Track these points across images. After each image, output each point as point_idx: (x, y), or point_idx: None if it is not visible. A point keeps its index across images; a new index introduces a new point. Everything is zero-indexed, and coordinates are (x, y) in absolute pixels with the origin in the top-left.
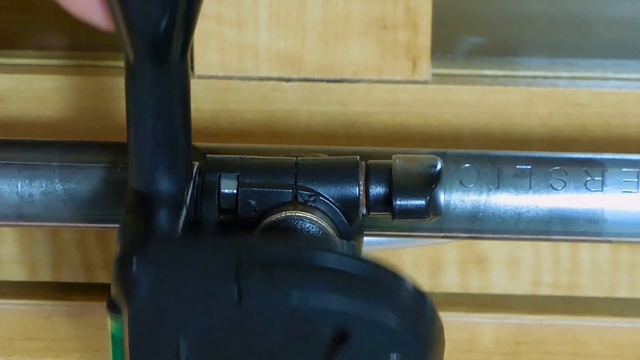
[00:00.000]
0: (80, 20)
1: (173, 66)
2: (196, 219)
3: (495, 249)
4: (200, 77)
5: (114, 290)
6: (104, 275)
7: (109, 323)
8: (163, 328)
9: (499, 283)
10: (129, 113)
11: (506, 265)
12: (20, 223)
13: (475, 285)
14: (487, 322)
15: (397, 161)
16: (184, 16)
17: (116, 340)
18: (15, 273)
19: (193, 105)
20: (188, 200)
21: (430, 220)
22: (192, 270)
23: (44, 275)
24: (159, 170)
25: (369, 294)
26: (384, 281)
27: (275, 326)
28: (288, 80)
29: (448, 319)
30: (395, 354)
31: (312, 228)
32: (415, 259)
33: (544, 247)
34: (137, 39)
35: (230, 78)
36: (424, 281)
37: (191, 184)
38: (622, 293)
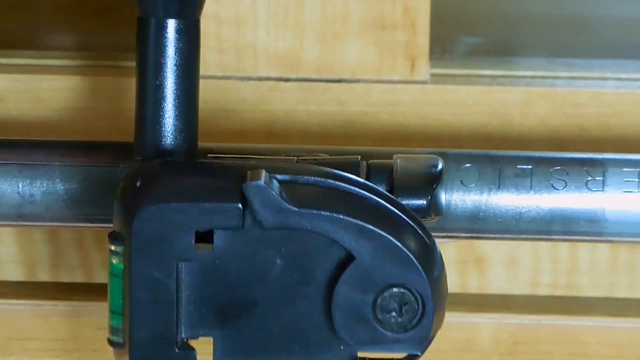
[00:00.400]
0: None
1: (186, 22)
2: None
3: (493, 249)
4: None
5: (117, 218)
6: (103, 276)
7: (109, 259)
8: (164, 252)
9: (498, 283)
10: (141, 70)
11: (505, 265)
12: (21, 223)
13: (474, 285)
14: (485, 322)
15: (398, 161)
16: None
17: (115, 276)
18: (14, 273)
19: None
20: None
21: (431, 220)
22: (197, 187)
23: (43, 276)
24: (166, 125)
25: (377, 220)
26: (391, 211)
27: (280, 249)
28: (287, 80)
29: (447, 319)
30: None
31: None
32: None
33: (543, 247)
34: None
35: (228, 78)
36: None
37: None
38: (621, 293)
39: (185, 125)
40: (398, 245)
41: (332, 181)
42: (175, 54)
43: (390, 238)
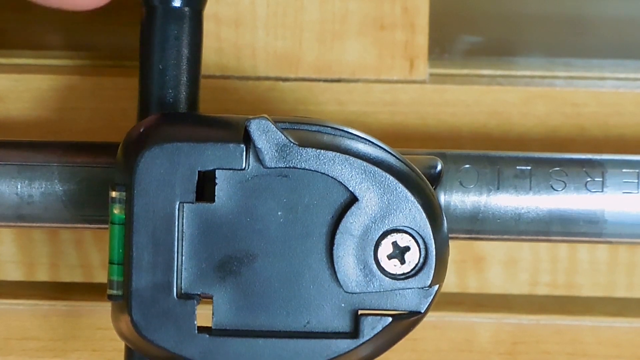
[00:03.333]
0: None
1: (192, 10)
2: None
3: (493, 249)
4: None
5: (119, 167)
6: (102, 275)
7: (110, 208)
8: (167, 194)
9: (497, 283)
10: (143, 56)
11: (504, 265)
12: (20, 224)
13: (473, 285)
14: (485, 322)
15: None
16: None
17: (116, 224)
18: (13, 273)
19: None
20: None
21: None
22: (200, 130)
23: (42, 275)
24: (169, 84)
25: (381, 164)
26: (395, 159)
27: (281, 198)
28: (285, 80)
29: (446, 318)
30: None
31: None
32: None
33: (542, 247)
34: None
35: (227, 78)
36: None
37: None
38: (620, 293)
39: (187, 88)
40: (403, 189)
41: (335, 130)
42: (179, 37)
43: (395, 181)
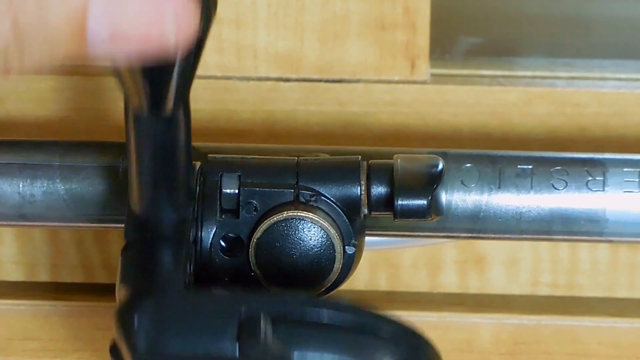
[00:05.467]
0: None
1: (172, 113)
2: (198, 229)
3: (494, 249)
4: (199, 77)
5: (117, 338)
6: (102, 276)
7: None
8: None
9: (498, 283)
10: (128, 150)
11: (505, 266)
12: (21, 223)
13: (474, 285)
14: (486, 322)
15: (398, 161)
16: (180, 74)
17: None
18: (14, 273)
19: (192, 105)
20: (191, 231)
21: (431, 220)
22: (193, 327)
23: (43, 276)
24: (160, 203)
25: (366, 348)
26: (381, 332)
27: None
28: (287, 80)
29: (447, 319)
30: None
31: (314, 228)
32: (414, 258)
33: (543, 247)
34: (138, 93)
35: (229, 78)
36: (423, 281)
37: (191, 208)
38: (621, 293)
39: (171, 197)
40: None
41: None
42: (157, 144)
43: None
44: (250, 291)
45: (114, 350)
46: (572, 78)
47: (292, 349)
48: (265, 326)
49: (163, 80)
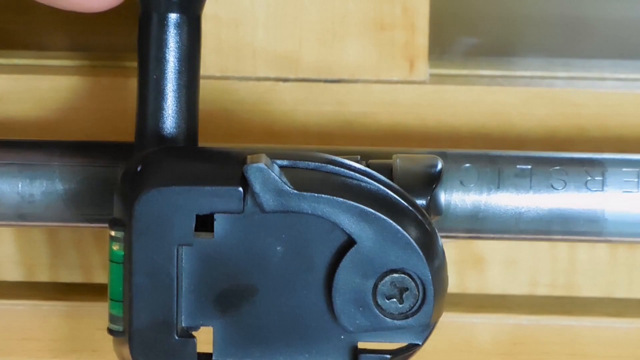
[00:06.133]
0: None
1: (189, 17)
2: None
3: (492, 249)
4: None
5: (117, 205)
6: (101, 276)
7: (109, 245)
8: (165, 236)
9: (497, 283)
10: (142, 65)
11: (504, 265)
12: (20, 223)
13: (473, 285)
14: (484, 323)
15: (397, 161)
16: None
17: (115, 263)
18: (13, 273)
19: None
20: None
21: (430, 220)
22: (198, 171)
23: (42, 276)
24: (175, 113)
25: (378, 205)
26: (393, 197)
27: (280, 235)
28: (285, 80)
29: (445, 319)
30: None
31: None
32: None
33: (542, 247)
34: None
35: (227, 78)
36: None
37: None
38: (620, 293)
39: (185, 117)
40: (399, 230)
41: (332, 167)
42: (175, 48)
43: (392, 222)
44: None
45: (114, 220)
46: (571, 78)
47: (303, 188)
48: (268, 159)
49: None
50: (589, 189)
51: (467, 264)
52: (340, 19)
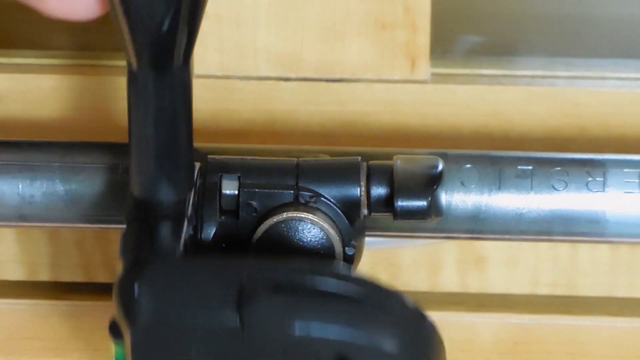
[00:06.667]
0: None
1: (176, 73)
2: (197, 230)
3: (494, 249)
4: (199, 76)
5: (116, 313)
6: (103, 275)
7: (111, 348)
8: (165, 353)
9: (498, 283)
10: (131, 121)
11: (505, 265)
12: (21, 224)
13: (474, 284)
14: (486, 322)
15: (398, 162)
16: (186, 20)
17: None
18: (14, 273)
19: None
20: (189, 208)
21: (431, 221)
22: (194, 296)
23: (43, 275)
24: (161, 179)
25: (370, 320)
26: (384, 305)
27: (276, 353)
28: (287, 79)
29: (447, 318)
30: None
31: (313, 230)
32: (414, 258)
33: (543, 246)
34: (139, 44)
35: (229, 77)
36: (423, 281)
37: (192, 191)
38: (621, 293)
39: (173, 173)
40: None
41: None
42: (160, 106)
43: (381, 344)
44: (250, 258)
45: (114, 327)
46: (573, 77)
47: (294, 317)
48: (265, 294)
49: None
50: (590, 190)
51: (468, 263)
52: (342, 19)
